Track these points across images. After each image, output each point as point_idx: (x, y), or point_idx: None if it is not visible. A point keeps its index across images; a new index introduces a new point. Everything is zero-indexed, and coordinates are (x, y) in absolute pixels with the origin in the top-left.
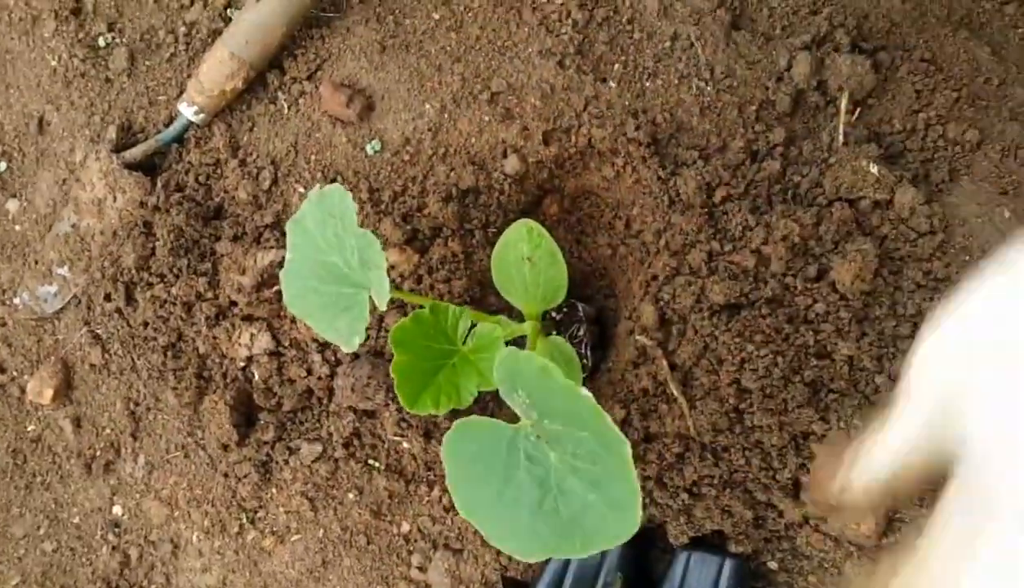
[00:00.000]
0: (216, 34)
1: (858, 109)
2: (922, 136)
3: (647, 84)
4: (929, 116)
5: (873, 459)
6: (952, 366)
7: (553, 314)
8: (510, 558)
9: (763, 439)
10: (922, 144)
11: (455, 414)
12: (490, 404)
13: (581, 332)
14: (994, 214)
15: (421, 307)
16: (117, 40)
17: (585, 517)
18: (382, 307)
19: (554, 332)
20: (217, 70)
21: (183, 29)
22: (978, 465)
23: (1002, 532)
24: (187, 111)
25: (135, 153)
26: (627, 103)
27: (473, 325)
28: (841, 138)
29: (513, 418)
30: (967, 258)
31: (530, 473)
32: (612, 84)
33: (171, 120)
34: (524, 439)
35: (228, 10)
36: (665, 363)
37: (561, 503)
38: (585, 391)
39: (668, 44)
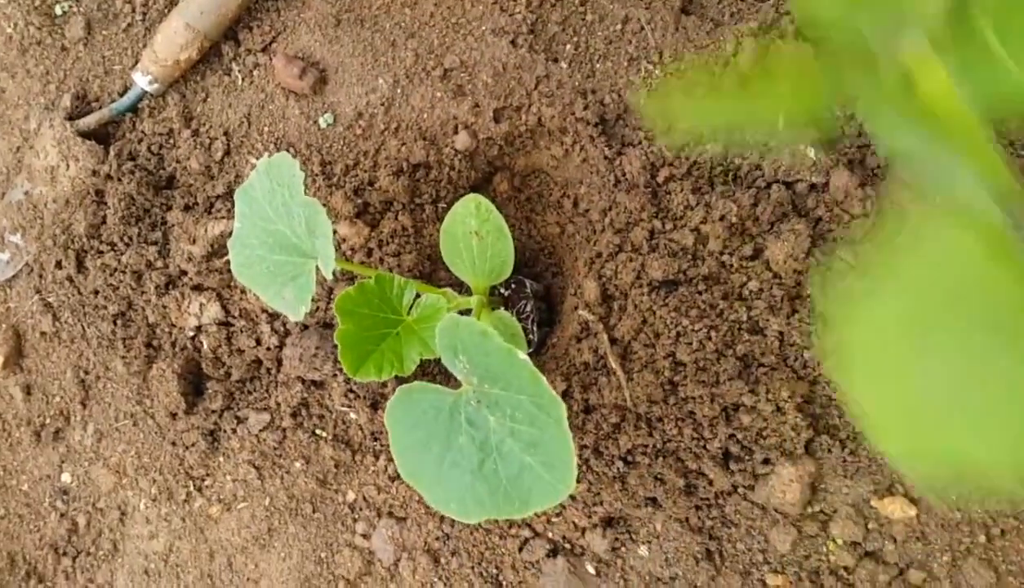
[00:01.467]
0: (172, 4)
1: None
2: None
3: (597, 65)
4: None
5: None
6: None
7: (501, 290)
8: (452, 523)
9: (695, 410)
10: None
11: (401, 385)
12: (437, 377)
13: (528, 308)
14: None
15: (367, 279)
16: (74, 9)
17: (522, 478)
18: (328, 275)
19: (502, 308)
20: (171, 40)
21: None
22: None
23: None
24: (141, 81)
25: (89, 121)
26: (577, 83)
27: (418, 296)
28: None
29: (457, 388)
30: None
31: (471, 437)
32: (563, 64)
33: (126, 90)
34: (465, 404)
35: None
36: (606, 337)
37: (500, 465)
38: (522, 354)
39: (619, 27)
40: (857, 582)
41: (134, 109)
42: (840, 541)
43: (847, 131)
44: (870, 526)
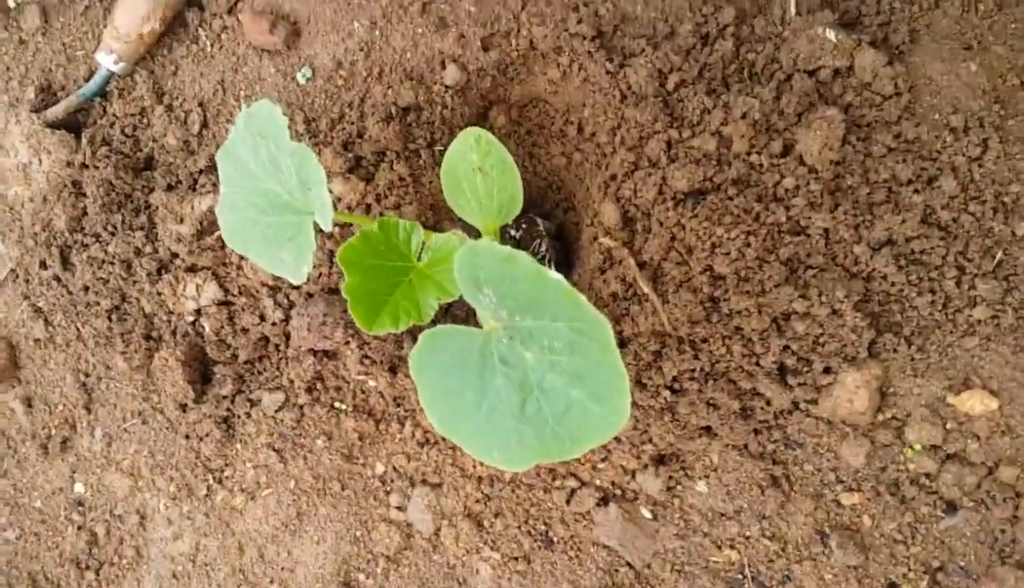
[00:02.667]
0: None
1: None
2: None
3: None
4: None
5: None
6: None
7: (512, 232)
8: (492, 483)
9: (742, 324)
10: (878, 7)
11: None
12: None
13: (543, 247)
14: (960, 70)
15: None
16: None
17: (570, 415)
18: (326, 228)
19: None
20: (132, 13)
21: None
22: None
23: None
24: (106, 61)
25: (56, 111)
26: None
27: (425, 242)
28: (793, 9)
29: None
30: (937, 116)
31: (507, 377)
32: None
33: (91, 74)
34: (496, 342)
35: None
36: (632, 262)
37: (544, 403)
38: (555, 274)
39: None
40: (942, 488)
41: (103, 92)
42: (918, 447)
43: (864, 9)
44: (949, 426)
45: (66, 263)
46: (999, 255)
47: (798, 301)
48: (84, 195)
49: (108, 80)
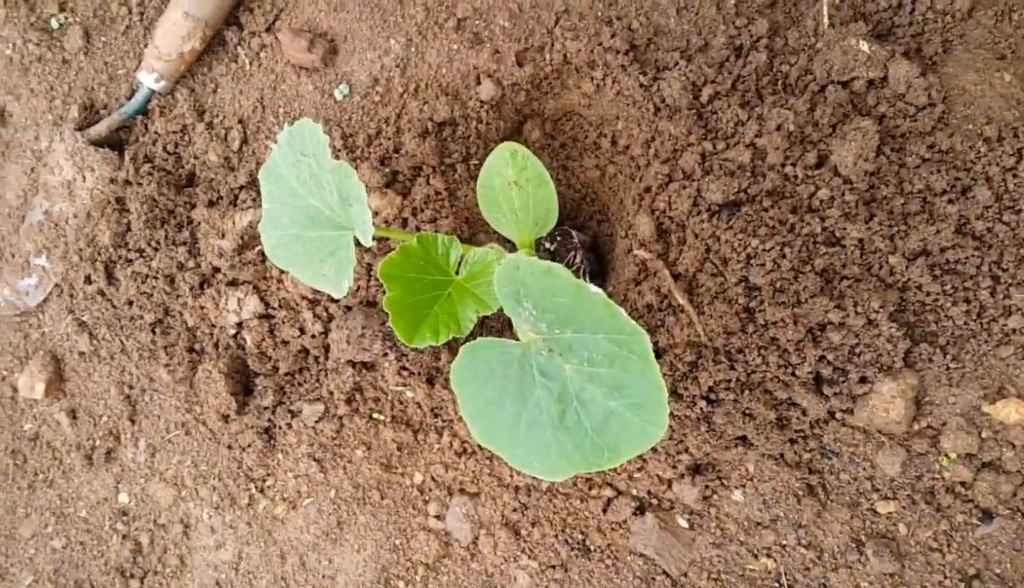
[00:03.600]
0: (167, 0)
1: None
2: (910, 9)
3: None
4: None
5: None
6: None
7: (547, 244)
8: (529, 492)
9: (778, 335)
10: (911, 18)
11: (454, 355)
12: (489, 334)
13: (578, 259)
14: (994, 80)
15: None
16: (70, 20)
17: (609, 425)
18: (367, 243)
19: (550, 262)
20: (173, 33)
21: (135, 0)
22: None
23: None
24: (147, 80)
25: (99, 129)
26: (600, 13)
27: (464, 256)
28: (826, 21)
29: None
30: (971, 126)
31: (546, 389)
32: None
33: (133, 93)
34: (536, 354)
35: None
36: (667, 273)
37: (583, 414)
38: (594, 287)
39: None
40: (978, 496)
41: (144, 110)
42: (953, 455)
43: (898, 20)
44: (984, 435)
45: (111, 278)
46: None
47: (833, 311)
48: (128, 211)
49: (149, 98)
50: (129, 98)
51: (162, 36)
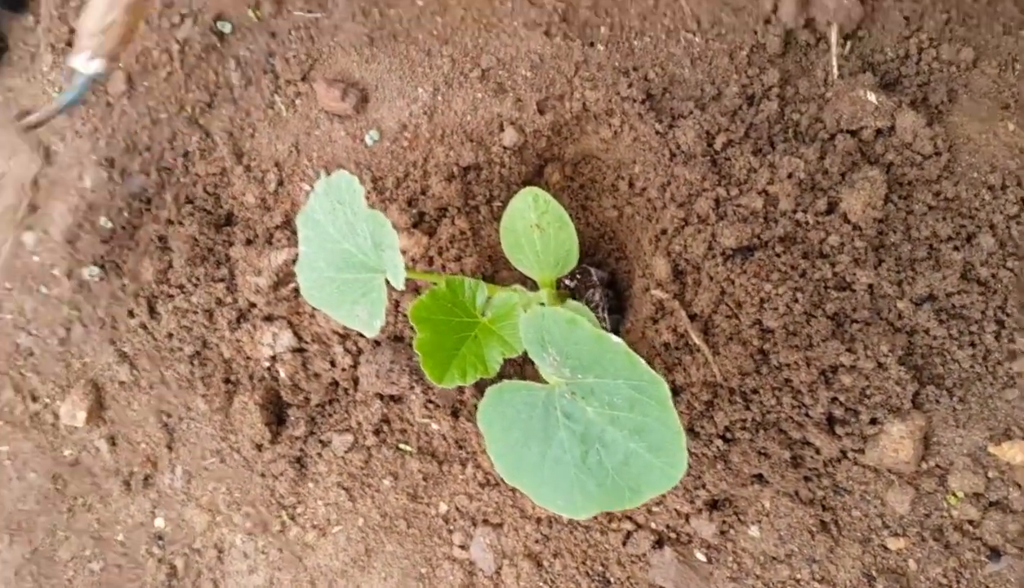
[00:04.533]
0: (210, 49)
1: (849, 42)
2: (916, 60)
3: (635, 42)
4: (921, 40)
5: None
6: None
7: (567, 282)
8: (550, 524)
9: (791, 377)
10: (917, 68)
11: (479, 389)
12: (513, 377)
13: (596, 297)
14: (998, 128)
15: (436, 285)
16: (114, 65)
17: (629, 466)
18: (399, 286)
19: (570, 299)
20: (94, 13)
21: (176, 48)
22: None
23: None
24: (81, 64)
25: (30, 121)
26: (617, 63)
27: (489, 297)
28: (836, 71)
29: (540, 382)
30: (975, 175)
31: (570, 430)
32: (600, 47)
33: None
34: (559, 397)
35: (218, 23)
36: (683, 314)
37: (604, 456)
38: (615, 338)
39: (651, 1)
40: (985, 535)
41: (81, 98)
42: (961, 494)
43: (904, 70)
44: (991, 474)
45: (152, 312)
46: None
47: (845, 354)
48: (170, 249)
49: (88, 85)
50: (171, 141)
51: (84, 19)
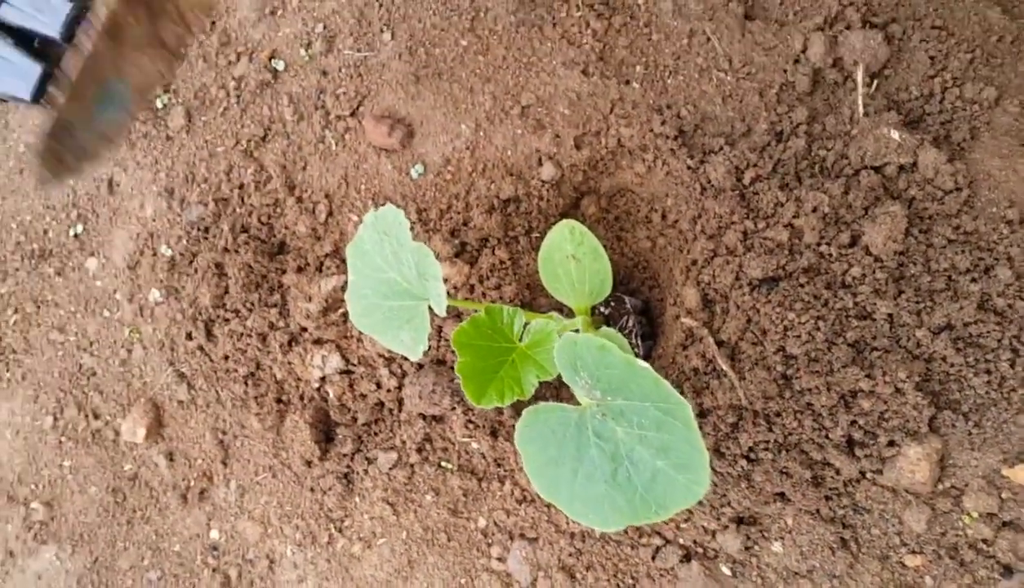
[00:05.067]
0: (265, 85)
1: (875, 81)
2: (940, 99)
3: (669, 81)
4: (945, 79)
5: None
6: None
7: (601, 309)
8: (583, 538)
9: (813, 401)
10: (940, 107)
11: (516, 411)
12: (549, 399)
13: (630, 323)
14: (1018, 165)
15: (476, 312)
16: (173, 101)
17: (656, 483)
18: (441, 313)
19: (604, 326)
20: None
21: (232, 84)
22: None
23: None
24: None
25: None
26: (651, 101)
27: (526, 324)
28: (861, 110)
29: (573, 403)
30: (994, 210)
31: (600, 449)
32: (635, 85)
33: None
34: (591, 418)
35: (272, 61)
36: (712, 341)
37: (633, 473)
38: (643, 363)
39: (685, 41)
40: (998, 553)
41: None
42: (975, 514)
43: (928, 108)
44: (1004, 496)
45: (209, 335)
46: None
47: (864, 380)
48: (227, 276)
49: None
50: (227, 173)
51: None
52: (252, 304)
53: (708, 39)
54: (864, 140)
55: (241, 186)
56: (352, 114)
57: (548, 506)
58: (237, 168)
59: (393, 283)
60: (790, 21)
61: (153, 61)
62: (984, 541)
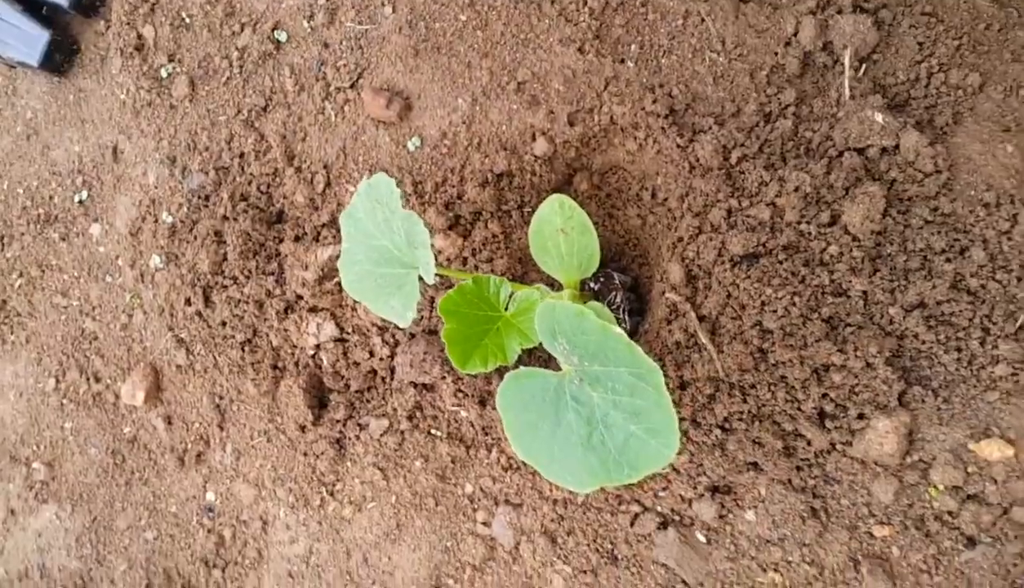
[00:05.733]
0: (267, 56)
1: (863, 65)
2: (925, 84)
3: (663, 60)
4: (931, 65)
5: None
6: None
7: (591, 284)
8: (565, 505)
9: (787, 374)
10: (925, 92)
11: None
12: (534, 365)
13: (618, 299)
14: (997, 150)
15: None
16: (178, 69)
17: (629, 446)
18: (429, 281)
19: (593, 301)
20: None
21: (235, 54)
22: None
23: None
24: None
25: None
26: (644, 80)
27: (512, 294)
28: (848, 93)
29: (558, 371)
30: (972, 192)
31: (577, 413)
32: (630, 64)
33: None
34: (569, 383)
35: (275, 32)
36: (694, 315)
37: (607, 436)
38: (617, 329)
39: (680, 22)
40: (962, 525)
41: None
42: (941, 487)
43: (914, 93)
44: (970, 470)
45: (207, 301)
46: (1021, 319)
47: (836, 355)
48: (225, 244)
49: None
50: (228, 142)
51: None
52: (250, 271)
53: (703, 20)
54: (849, 122)
55: (241, 155)
56: (352, 86)
57: (533, 473)
58: (238, 137)
59: (384, 251)
60: (783, 4)
61: None
62: (949, 513)
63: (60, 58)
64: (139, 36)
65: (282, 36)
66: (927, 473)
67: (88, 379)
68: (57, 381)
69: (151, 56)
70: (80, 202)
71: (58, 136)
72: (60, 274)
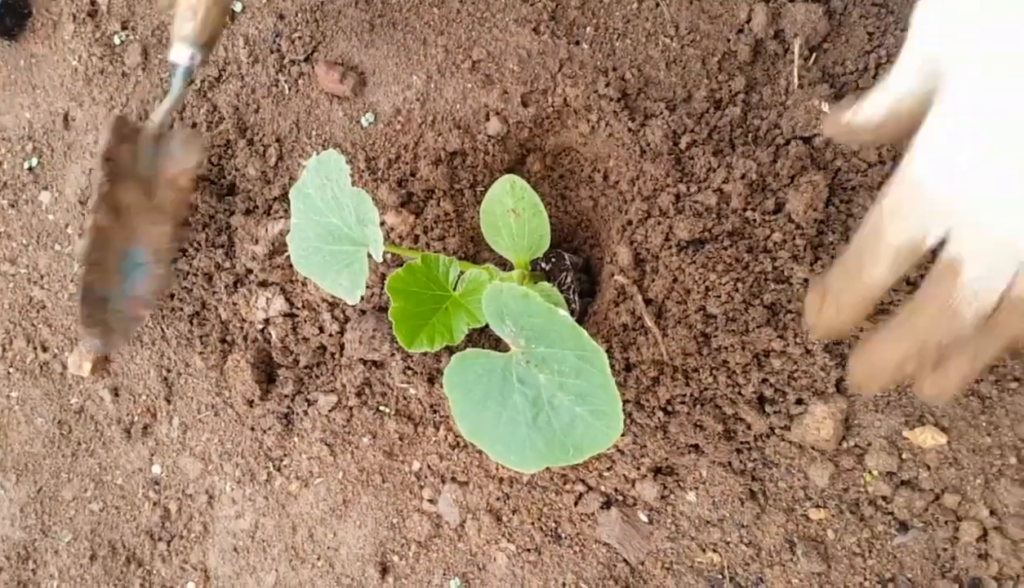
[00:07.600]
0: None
1: (813, 54)
2: (873, 75)
3: (617, 43)
4: (880, 56)
5: (871, 101)
6: (946, 22)
7: (542, 265)
8: (511, 483)
9: (728, 359)
10: (873, 82)
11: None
12: (484, 346)
13: (568, 280)
14: None
15: (414, 261)
16: (131, 37)
17: (574, 427)
18: (378, 258)
19: (544, 281)
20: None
21: None
22: (954, 88)
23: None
24: (180, 56)
25: (154, 131)
26: (598, 62)
27: (462, 273)
28: (796, 81)
29: (506, 352)
30: None
31: (523, 394)
32: (584, 46)
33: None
34: (516, 365)
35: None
36: (640, 298)
37: (553, 417)
38: (562, 311)
39: (636, 5)
40: (895, 510)
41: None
42: (876, 472)
43: (862, 83)
44: (904, 456)
45: None
46: None
47: (776, 341)
48: None
49: (190, 75)
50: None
51: (176, 13)
52: (199, 244)
53: (657, 4)
54: (796, 111)
55: (193, 125)
56: (306, 59)
57: (479, 452)
58: (190, 107)
59: (334, 228)
60: None
61: (158, 226)
62: (883, 498)
63: (11, 22)
64: (92, 2)
65: (237, 6)
66: (862, 458)
67: (35, 348)
68: (3, 349)
69: (104, 23)
70: (30, 169)
71: (8, 102)
72: (8, 241)
